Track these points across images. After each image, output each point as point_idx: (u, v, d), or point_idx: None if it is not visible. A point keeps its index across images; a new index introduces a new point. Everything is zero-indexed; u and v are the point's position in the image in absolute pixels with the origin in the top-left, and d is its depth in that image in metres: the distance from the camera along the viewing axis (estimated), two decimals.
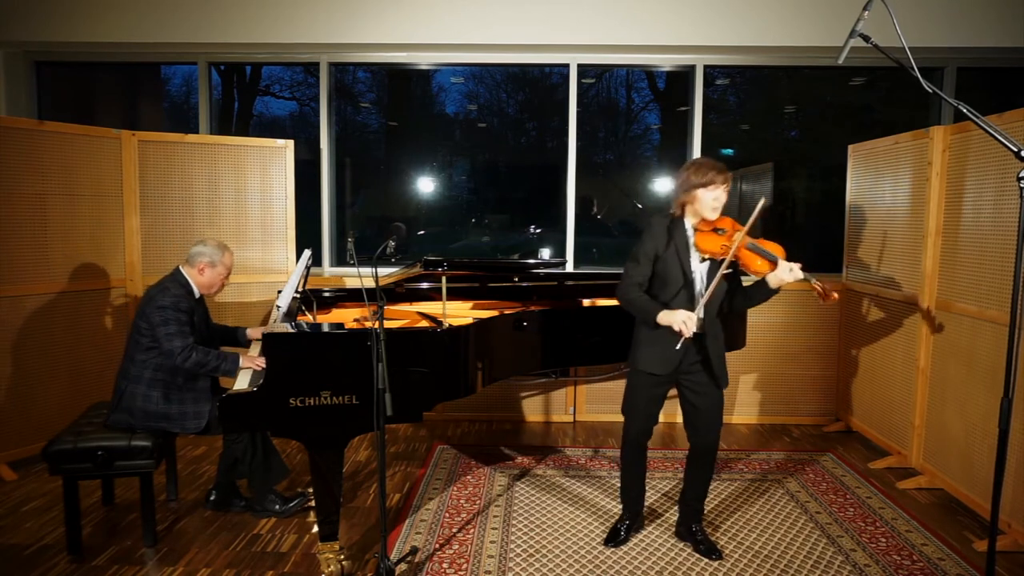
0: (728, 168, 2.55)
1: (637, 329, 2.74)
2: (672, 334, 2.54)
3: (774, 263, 2.53)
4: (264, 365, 2.86)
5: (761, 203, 2.47)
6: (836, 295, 2.51)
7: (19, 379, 3.61)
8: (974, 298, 3.14)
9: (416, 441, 4.16)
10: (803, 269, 2.51)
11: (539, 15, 4.40)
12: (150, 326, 2.80)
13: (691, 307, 2.56)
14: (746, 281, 2.75)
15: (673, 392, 2.76)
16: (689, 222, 2.62)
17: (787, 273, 2.50)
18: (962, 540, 2.93)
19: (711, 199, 2.54)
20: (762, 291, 2.58)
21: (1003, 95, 4.82)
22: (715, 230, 2.58)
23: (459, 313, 3.29)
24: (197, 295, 2.98)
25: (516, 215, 5.19)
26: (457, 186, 5.22)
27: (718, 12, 4.37)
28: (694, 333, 2.51)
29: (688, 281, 2.59)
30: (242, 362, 2.84)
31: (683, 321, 2.48)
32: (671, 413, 4.40)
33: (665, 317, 2.54)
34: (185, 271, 2.95)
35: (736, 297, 2.70)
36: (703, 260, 2.61)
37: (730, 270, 2.61)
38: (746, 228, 2.49)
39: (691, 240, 2.61)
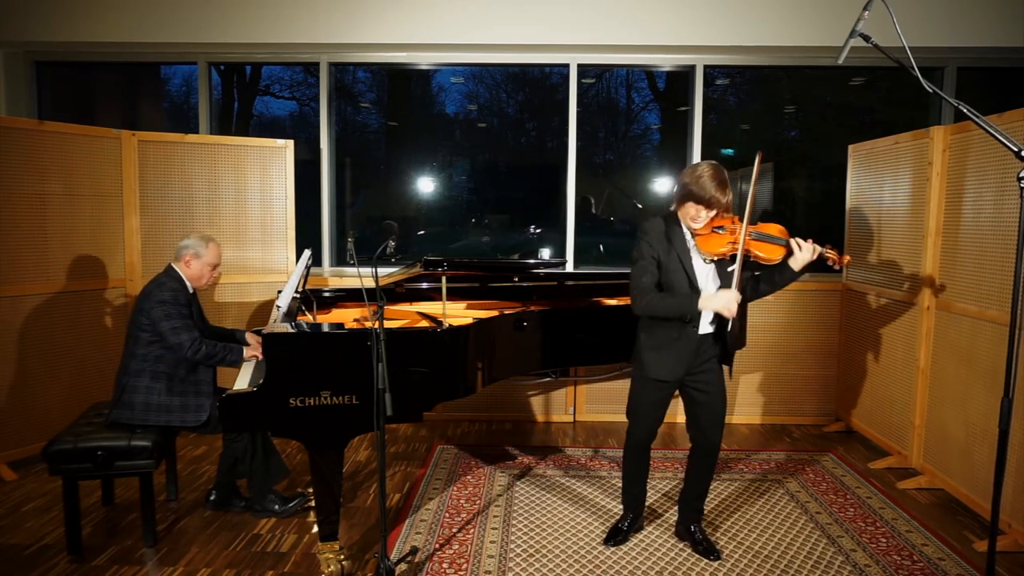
0: (731, 168, 2.54)
1: (640, 333, 2.67)
2: (681, 336, 2.54)
3: (786, 247, 2.49)
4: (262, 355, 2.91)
5: (757, 160, 2.43)
6: (848, 258, 2.65)
7: (19, 379, 3.61)
8: (974, 298, 3.14)
9: (416, 441, 4.16)
10: (815, 242, 2.52)
11: (539, 15, 4.40)
12: (151, 321, 2.84)
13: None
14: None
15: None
16: (686, 224, 2.55)
17: (807, 254, 2.47)
18: (962, 540, 2.93)
19: (699, 213, 2.47)
20: (786, 275, 2.53)
21: (1003, 95, 4.82)
22: (714, 229, 2.50)
23: (459, 313, 3.29)
24: (191, 290, 3.02)
25: (516, 215, 5.19)
26: (457, 186, 5.21)
27: (718, 12, 4.37)
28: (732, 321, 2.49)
29: (693, 287, 2.52)
30: (245, 352, 2.97)
31: (727, 304, 2.41)
32: (671, 413, 4.38)
33: (707, 303, 2.45)
34: (176, 266, 3.00)
35: (760, 284, 2.61)
36: (708, 261, 2.54)
37: (739, 264, 2.52)
38: (747, 214, 2.42)
39: (691, 243, 2.55)
